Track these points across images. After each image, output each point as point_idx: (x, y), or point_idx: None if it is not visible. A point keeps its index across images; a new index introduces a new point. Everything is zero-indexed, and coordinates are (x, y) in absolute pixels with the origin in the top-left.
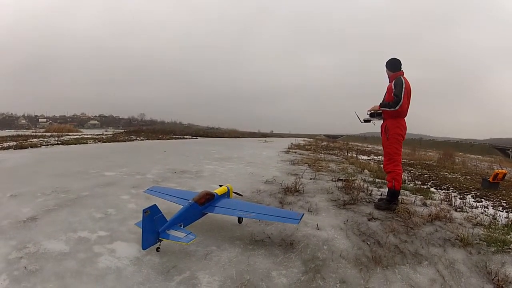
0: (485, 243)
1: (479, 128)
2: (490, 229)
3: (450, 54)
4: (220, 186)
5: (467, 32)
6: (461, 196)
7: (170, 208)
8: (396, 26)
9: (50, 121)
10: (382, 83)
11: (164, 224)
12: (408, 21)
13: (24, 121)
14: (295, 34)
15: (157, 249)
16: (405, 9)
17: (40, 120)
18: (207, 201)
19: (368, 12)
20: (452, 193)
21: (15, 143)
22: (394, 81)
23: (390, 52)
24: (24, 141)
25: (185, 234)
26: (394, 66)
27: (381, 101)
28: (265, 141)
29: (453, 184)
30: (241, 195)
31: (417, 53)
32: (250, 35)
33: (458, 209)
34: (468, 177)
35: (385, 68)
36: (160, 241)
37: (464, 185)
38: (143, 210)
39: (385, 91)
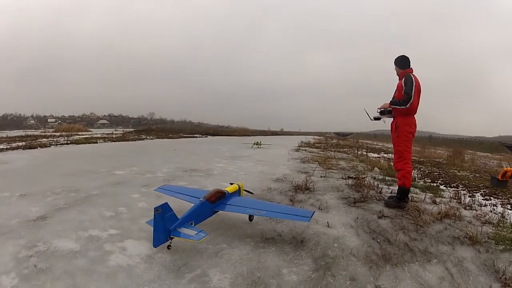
0: (494, 242)
1: (487, 125)
2: (499, 228)
3: (454, 53)
4: (231, 184)
5: (470, 31)
6: (470, 194)
7: (181, 207)
8: (400, 25)
9: (59, 121)
10: (391, 80)
11: (175, 222)
12: (410, 21)
13: (33, 121)
14: (301, 32)
15: (168, 247)
16: (406, 8)
17: (49, 120)
18: (218, 199)
19: (371, 12)
20: (462, 191)
21: (24, 143)
22: (403, 78)
23: (396, 50)
24: (33, 141)
25: (196, 232)
26: (403, 63)
27: (391, 99)
28: (257, 144)
29: (463, 182)
30: (252, 193)
31: (421, 52)
32: (257, 34)
33: (467, 207)
34: (477, 175)
35: (394, 66)
36: (171, 239)
37: (473, 183)
38: (155, 208)
39: (395, 88)
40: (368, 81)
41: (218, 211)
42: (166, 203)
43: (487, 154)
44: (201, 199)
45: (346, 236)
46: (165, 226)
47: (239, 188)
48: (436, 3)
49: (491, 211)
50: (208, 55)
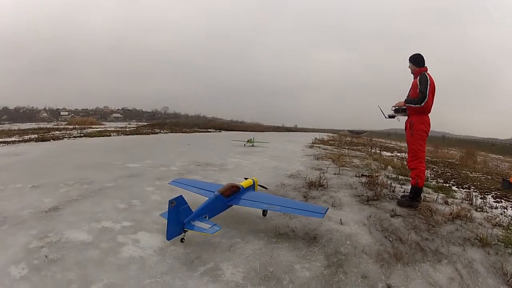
0: (503, 244)
1: (499, 127)
2: (508, 230)
3: (462, 52)
4: (246, 179)
5: (482, 31)
6: (482, 196)
7: (195, 200)
8: (410, 23)
9: (72, 114)
10: (403, 79)
11: (189, 215)
12: (417, 19)
13: (46, 114)
14: (314, 29)
15: (182, 240)
16: (409, 6)
17: (62, 113)
18: (232, 193)
19: (386, 8)
20: (473, 193)
21: (36, 135)
22: (418, 77)
23: (410, 49)
24: (46, 134)
25: (210, 226)
26: (418, 61)
27: (406, 97)
28: (250, 142)
29: (474, 183)
30: (266, 188)
31: (431, 51)
32: (268, 29)
33: (479, 209)
34: (489, 176)
35: (409, 63)
36: (185, 231)
37: (485, 185)
38: (169, 201)
39: (410, 87)
40: (382, 79)
41: (232, 205)
42: (181, 196)
43: (499, 156)
44: (215, 193)
45: (359, 233)
46: (179, 219)
47: (254, 183)
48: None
49: (501, 214)
50: (222, 50)
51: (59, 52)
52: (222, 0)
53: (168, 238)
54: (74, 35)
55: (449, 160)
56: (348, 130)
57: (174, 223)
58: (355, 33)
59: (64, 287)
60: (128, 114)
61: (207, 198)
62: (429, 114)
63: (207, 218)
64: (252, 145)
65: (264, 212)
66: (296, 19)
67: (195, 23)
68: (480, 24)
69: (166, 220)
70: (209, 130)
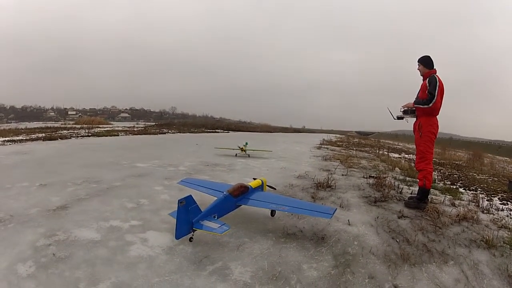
0: (508, 246)
1: (506, 128)
2: None
3: (467, 54)
4: (254, 179)
5: (488, 32)
6: (488, 198)
7: (203, 200)
8: (416, 24)
9: (80, 114)
10: (413, 80)
11: (198, 214)
12: (424, 20)
13: (53, 113)
14: (322, 29)
15: (190, 239)
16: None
17: (69, 112)
18: (241, 193)
19: (392, 9)
20: (480, 195)
21: (44, 134)
22: (428, 78)
23: (420, 50)
24: (54, 133)
25: (219, 225)
26: (428, 63)
27: (415, 99)
28: (243, 150)
29: (481, 185)
30: (275, 189)
31: (439, 52)
32: (276, 30)
33: (485, 211)
34: (496, 179)
35: (418, 64)
36: (194, 231)
37: (492, 187)
38: (179, 201)
39: (419, 88)
40: (390, 80)
41: (240, 205)
42: (190, 195)
43: (505, 158)
44: (224, 192)
45: (366, 234)
46: (188, 218)
47: (262, 183)
48: (451, 3)
49: (507, 216)
50: (229, 50)
51: (66, 51)
52: (223, 0)
53: (177, 237)
54: (82, 33)
55: (456, 162)
56: (356, 131)
57: (183, 223)
58: (366, 34)
59: (72, 285)
60: (136, 114)
61: (216, 198)
62: (437, 116)
63: (216, 218)
64: (248, 156)
65: (273, 212)
66: (305, 20)
67: (197, 23)
68: (482, 26)
69: (175, 220)
70: (217, 130)
